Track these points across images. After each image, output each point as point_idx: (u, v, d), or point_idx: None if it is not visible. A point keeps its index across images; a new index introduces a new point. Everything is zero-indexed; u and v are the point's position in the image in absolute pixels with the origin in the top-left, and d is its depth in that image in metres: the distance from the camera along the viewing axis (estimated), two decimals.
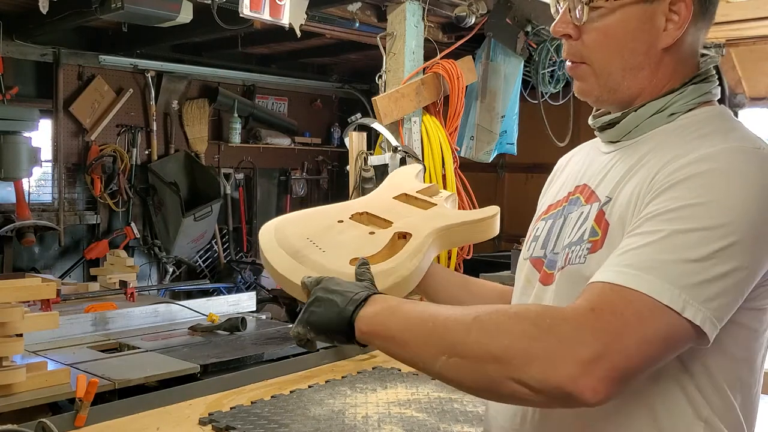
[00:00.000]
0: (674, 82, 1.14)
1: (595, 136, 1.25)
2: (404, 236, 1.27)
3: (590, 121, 1.24)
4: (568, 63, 1.19)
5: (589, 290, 0.97)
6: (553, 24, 1.18)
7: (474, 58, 4.03)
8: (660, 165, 1.04)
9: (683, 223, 0.96)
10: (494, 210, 1.39)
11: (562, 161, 1.38)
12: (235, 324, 3.30)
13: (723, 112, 1.15)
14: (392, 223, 1.31)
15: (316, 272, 1.16)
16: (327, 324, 1.06)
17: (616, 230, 1.05)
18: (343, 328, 1.04)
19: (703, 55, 1.18)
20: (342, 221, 1.32)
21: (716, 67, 1.19)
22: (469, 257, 3.88)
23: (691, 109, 1.13)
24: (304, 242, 1.24)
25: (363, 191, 3.02)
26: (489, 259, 4.83)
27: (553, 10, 1.20)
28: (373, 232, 1.29)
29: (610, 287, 0.95)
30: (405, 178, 1.53)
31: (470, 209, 1.44)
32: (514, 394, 0.93)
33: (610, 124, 1.18)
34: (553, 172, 1.39)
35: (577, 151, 1.35)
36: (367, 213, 1.35)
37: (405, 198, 1.43)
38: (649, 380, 1.02)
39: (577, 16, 1.13)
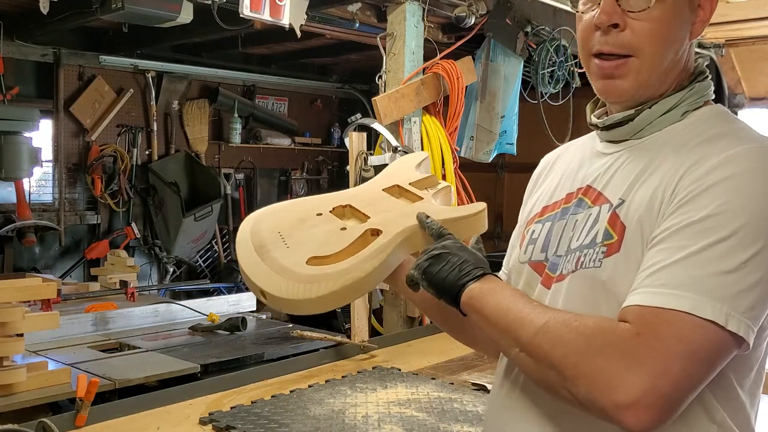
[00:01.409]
0: (681, 80, 1.13)
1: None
2: (377, 233, 1.21)
3: (594, 120, 1.21)
4: (600, 61, 1.11)
5: (630, 313, 0.97)
6: (596, 14, 1.10)
7: (474, 59, 4.03)
8: (681, 170, 1.03)
9: (712, 233, 0.95)
10: (480, 206, 1.31)
11: (546, 161, 1.35)
12: (235, 324, 3.31)
13: (724, 110, 1.14)
14: (369, 217, 1.25)
15: (272, 270, 1.14)
16: (441, 282, 1.12)
17: (634, 233, 1.04)
18: (453, 293, 1.11)
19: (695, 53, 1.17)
20: (320, 214, 1.27)
21: (716, 67, 1.19)
22: None
23: (697, 108, 1.12)
24: (273, 236, 1.21)
25: None
26: (489, 259, 4.82)
27: (581, 1, 1.14)
28: (345, 228, 1.24)
29: (649, 310, 0.95)
30: (403, 168, 1.45)
31: (459, 206, 1.36)
32: (568, 400, 0.98)
33: (621, 123, 1.15)
34: (537, 172, 1.36)
35: (563, 150, 1.33)
36: (350, 206, 1.30)
37: (396, 190, 1.36)
38: None
39: (637, 3, 1.07)
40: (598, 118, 1.20)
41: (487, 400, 1.39)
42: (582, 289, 1.09)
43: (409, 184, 1.37)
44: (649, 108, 1.12)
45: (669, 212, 1.00)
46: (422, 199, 1.33)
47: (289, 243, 1.20)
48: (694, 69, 1.15)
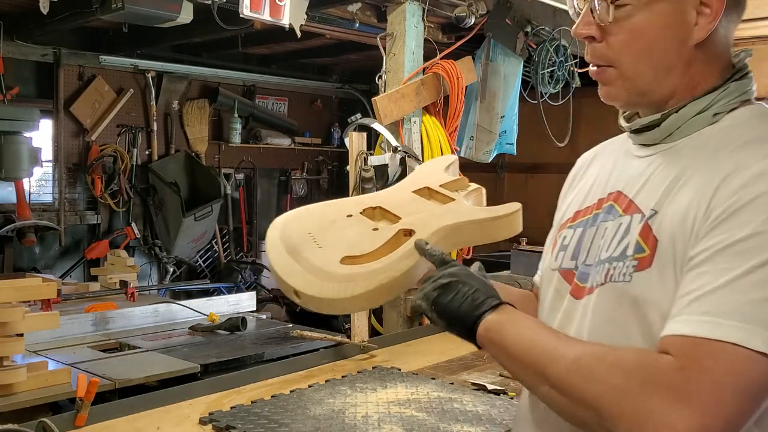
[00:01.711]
0: (710, 80, 1.07)
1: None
2: (409, 233, 1.20)
3: (623, 124, 1.17)
4: (592, 67, 1.12)
5: (672, 344, 0.91)
6: (574, 26, 1.12)
7: (474, 59, 4.03)
8: (715, 181, 0.96)
9: (756, 254, 0.89)
10: (515, 206, 1.30)
11: (582, 161, 1.31)
12: (235, 324, 3.31)
13: (765, 111, 1.07)
14: (401, 218, 1.25)
15: (306, 270, 1.14)
16: (454, 313, 1.06)
17: (667, 249, 0.98)
18: (468, 325, 1.05)
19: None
20: (351, 216, 1.27)
21: None
22: (468, 257, 3.88)
23: (733, 109, 1.06)
24: (304, 238, 1.21)
25: (363, 191, 3.02)
26: (489, 259, 4.83)
27: (571, 12, 1.14)
28: (377, 228, 1.23)
29: (692, 341, 0.89)
30: (432, 170, 1.44)
31: (492, 206, 1.34)
32: None
33: (648, 127, 1.10)
34: (572, 172, 1.31)
35: (600, 150, 1.28)
36: (380, 207, 1.29)
37: (426, 192, 1.35)
38: None
39: (602, 15, 1.06)
40: (627, 121, 1.16)
41: (516, 412, 1.35)
42: (610, 303, 1.04)
43: (440, 186, 1.36)
44: (676, 112, 1.06)
45: (705, 230, 0.94)
46: (454, 200, 1.32)
47: (321, 243, 1.20)
48: (733, 66, 1.09)
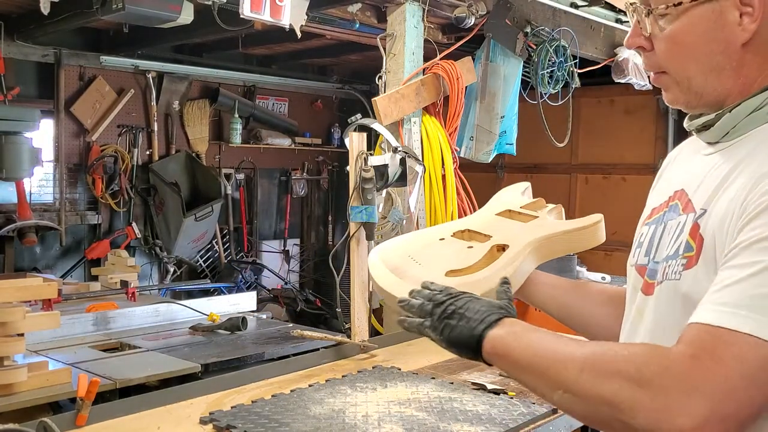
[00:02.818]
0: (766, 78, 1.07)
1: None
2: (503, 248, 1.31)
3: (686, 124, 1.19)
4: (651, 74, 1.17)
5: (688, 332, 0.94)
6: (626, 38, 1.17)
7: (473, 59, 4.04)
8: (754, 179, 0.98)
9: None
10: (597, 218, 1.39)
11: (668, 158, 1.33)
12: (235, 323, 3.31)
13: None
14: (491, 236, 1.35)
15: (414, 285, 1.23)
16: (458, 339, 1.12)
17: (710, 247, 1.01)
18: (472, 345, 1.11)
19: None
20: (443, 239, 1.38)
21: None
22: None
23: None
24: (405, 259, 1.33)
25: (363, 191, 3.03)
26: None
27: (631, 22, 1.18)
28: (471, 246, 1.34)
29: (706, 329, 0.92)
30: (510, 196, 1.56)
31: (572, 219, 1.47)
32: None
33: (706, 126, 1.12)
34: (660, 169, 1.34)
35: (685, 145, 1.29)
36: (468, 230, 1.40)
37: (508, 214, 1.46)
38: None
39: (645, 27, 1.11)
40: (690, 120, 1.18)
41: None
42: (667, 300, 1.08)
43: (520, 207, 1.48)
44: (730, 111, 1.08)
45: (739, 227, 0.96)
46: (537, 217, 1.43)
47: (421, 262, 1.32)
48: None
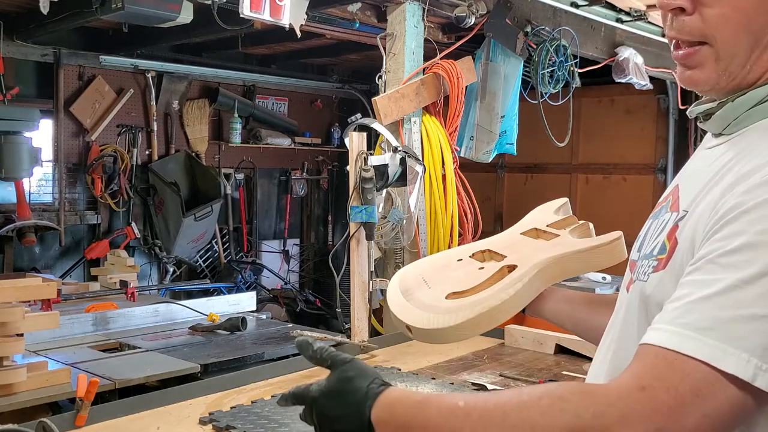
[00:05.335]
0: None
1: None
2: (512, 268, 1.30)
3: (689, 109, 1.05)
4: (673, 50, 0.98)
5: (641, 357, 0.84)
6: None
7: (474, 59, 4.03)
8: (733, 180, 0.87)
9: (747, 267, 0.79)
10: (615, 235, 1.35)
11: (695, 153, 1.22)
12: (235, 324, 3.31)
13: None
14: (506, 257, 1.35)
15: (416, 307, 1.25)
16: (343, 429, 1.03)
17: (682, 252, 0.91)
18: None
19: None
20: (461, 260, 1.38)
21: None
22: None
23: None
24: (417, 281, 1.34)
25: (363, 191, 3.02)
26: None
27: None
28: (483, 267, 1.33)
29: (664, 355, 0.81)
30: (542, 213, 1.55)
31: (591, 238, 1.44)
32: None
33: (707, 115, 0.99)
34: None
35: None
36: (488, 250, 1.39)
37: (534, 233, 1.45)
38: None
39: None
40: (694, 106, 1.03)
41: None
42: (635, 301, 0.99)
43: (547, 225, 1.47)
44: (732, 101, 0.94)
45: (709, 234, 0.85)
46: (558, 236, 1.42)
47: (431, 285, 1.33)
48: None
